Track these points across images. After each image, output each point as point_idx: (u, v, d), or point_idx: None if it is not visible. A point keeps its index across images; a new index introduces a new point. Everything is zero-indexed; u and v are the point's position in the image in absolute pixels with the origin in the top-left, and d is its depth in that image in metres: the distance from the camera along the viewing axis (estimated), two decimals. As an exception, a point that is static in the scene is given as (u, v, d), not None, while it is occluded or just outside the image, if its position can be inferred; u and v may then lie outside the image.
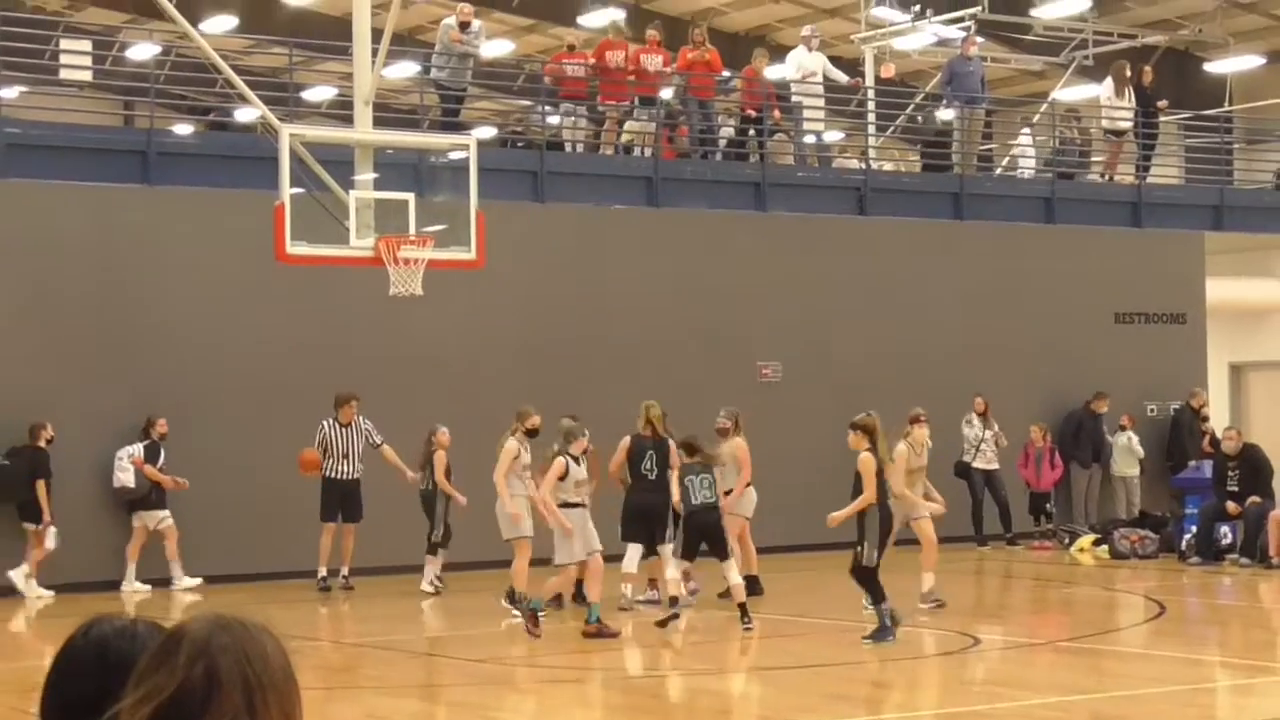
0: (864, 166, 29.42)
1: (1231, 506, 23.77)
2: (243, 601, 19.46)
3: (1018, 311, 28.29)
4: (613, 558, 17.95)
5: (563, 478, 17.39)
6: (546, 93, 27.87)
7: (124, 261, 22.50)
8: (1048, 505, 27.39)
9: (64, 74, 26.95)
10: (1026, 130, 33.09)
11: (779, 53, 33.46)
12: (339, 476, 21.99)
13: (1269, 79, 38.41)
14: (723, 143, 28.55)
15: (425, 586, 21.41)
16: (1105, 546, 25.48)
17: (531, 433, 19.22)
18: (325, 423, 21.97)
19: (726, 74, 28.97)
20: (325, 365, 22.82)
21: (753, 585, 20.04)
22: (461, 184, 19.23)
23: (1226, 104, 36.36)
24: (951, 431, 25.66)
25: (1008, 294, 28.25)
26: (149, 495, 21.93)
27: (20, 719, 12.73)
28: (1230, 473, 24.06)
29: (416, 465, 21.55)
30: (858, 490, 16.18)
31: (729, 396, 22.01)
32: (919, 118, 32.52)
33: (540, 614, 17.29)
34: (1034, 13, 35.17)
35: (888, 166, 31.76)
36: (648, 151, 27.08)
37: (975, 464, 26.57)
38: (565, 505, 17.32)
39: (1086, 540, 26.12)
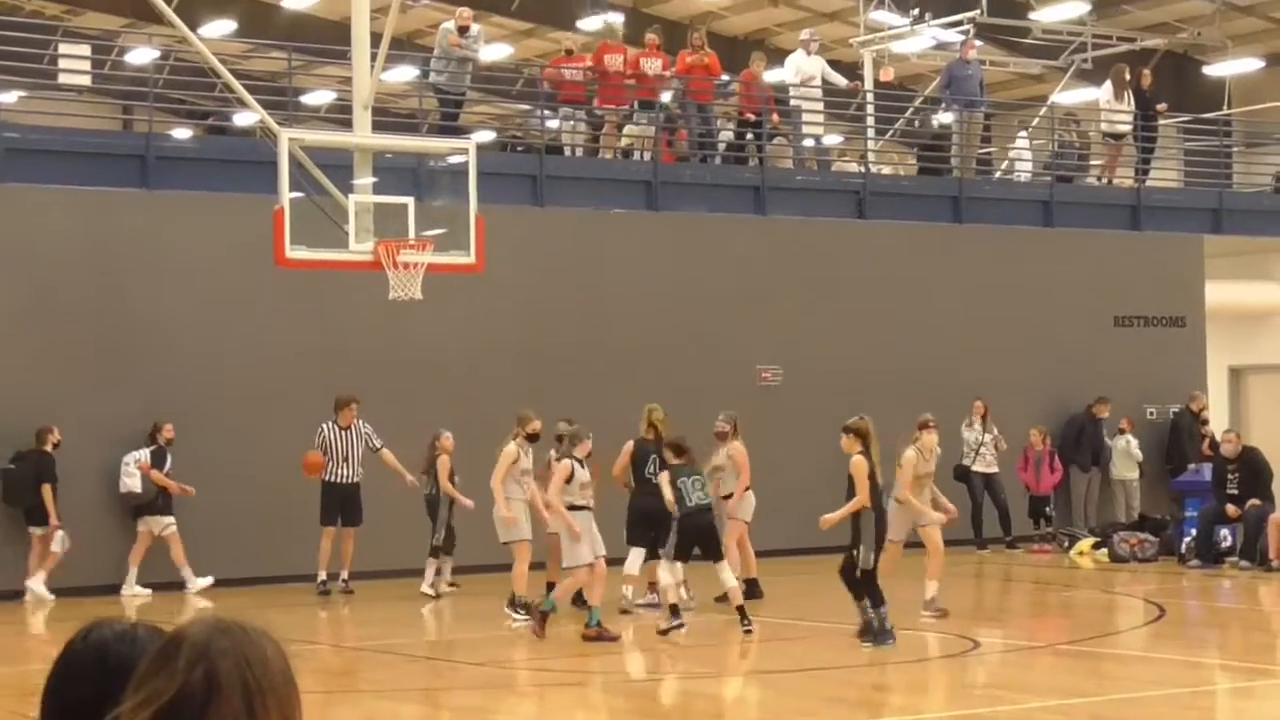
0: (863, 170, 29.43)
1: (1231, 509, 23.77)
2: (242, 605, 19.44)
3: (1017, 315, 28.30)
4: (613, 561, 17.92)
5: (569, 480, 17.41)
6: (545, 97, 27.87)
7: (123, 266, 22.50)
8: (1047, 509, 27.39)
9: (63, 78, 26.95)
10: (1024, 134, 33.10)
11: (778, 56, 33.48)
12: (339, 480, 21.99)
13: (1268, 82, 38.43)
14: (722, 146, 28.56)
15: (425, 589, 21.42)
16: (1105, 550, 25.49)
17: (532, 437, 19.23)
18: (325, 426, 21.98)
19: (726, 78, 28.96)
20: (324, 369, 22.82)
21: (752, 588, 20.06)
22: (461, 188, 19.24)
23: (1225, 107, 36.37)
24: (951, 435, 25.61)
25: (1007, 297, 28.26)
26: (155, 500, 21.97)
27: (20, 723, 12.73)
28: (1230, 476, 24.06)
29: (420, 469, 21.55)
30: (851, 494, 16.26)
31: (728, 400, 22.02)
32: (916, 121, 32.53)
33: (548, 614, 17.26)
34: (1033, 16, 35.17)
35: (886, 170, 31.76)
36: (647, 155, 27.09)
37: (975, 467, 26.56)
38: (571, 508, 17.32)
39: (1086, 543, 26.13)
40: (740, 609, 17.48)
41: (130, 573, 21.89)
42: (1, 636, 19.07)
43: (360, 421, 22.11)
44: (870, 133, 31.25)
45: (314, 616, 20.65)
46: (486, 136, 31.86)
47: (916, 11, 33.12)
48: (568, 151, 27.14)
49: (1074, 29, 35.44)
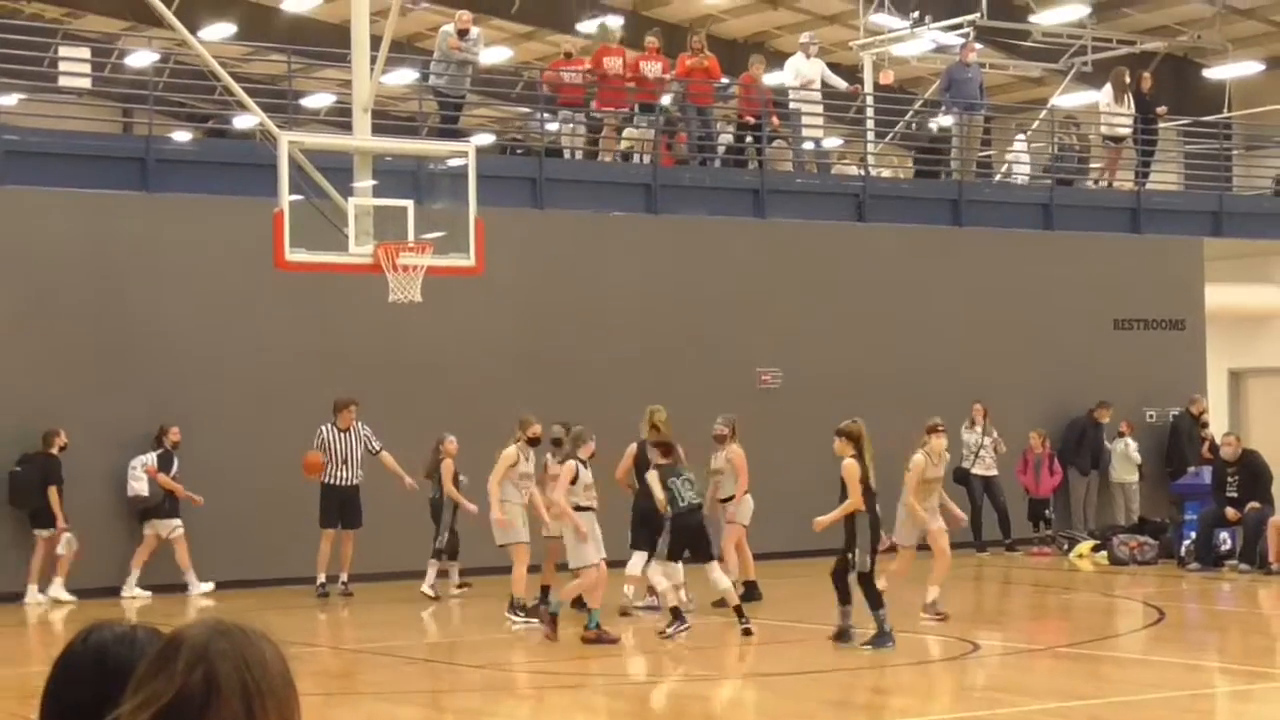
0: (863, 173, 29.44)
1: (1231, 512, 23.78)
2: (242, 608, 19.45)
3: (1017, 318, 28.30)
4: (613, 563, 17.91)
5: (573, 481, 17.43)
6: (545, 100, 27.87)
7: (123, 268, 22.51)
8: (1047, 511, 27.40)
9: (63, 81, 26.95)
10: (1021, 136, 33.09)
11: (777, 60, 33.49)
12: (338, 482, 21.99)
13: (1268, 85, 38.44)
14: (721, 150, 28.56)
15: (425, 589, 21.43)
16: (1104, 552, 25.50)
17: (532, 441, 19.25)
18: (323, 428, 21.98)
19: (725, 81, 28.96)
20: (324, 372, 22.82)
21: (751, 590, 20.09)
22: (460, 191, 19.24)
23: (1225, 110, 36.38)
24: (951, 438, 25.53)
25: (1007, 300, 28.26)
26: (163, 504, 22.01)
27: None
28: (1229, 479, 24.06)
29: (424, 473, 21.56)
30: (845, 497, 16.29)
31: (728, 403, 22.03)
32: (913, 124, 32.53)
33: (557, 616, 17.25)
34: (1033, 19, 35.16)
35: (886, 173, 31.76)
36: (646, 158, 27.10)
37: (974, 470, 26.57)
38: (576, 509, 17.35)
39: (1085, 546, 26.14)
40: (737, 609, 17.50)
41: (132, 575, 21.91)
42: (2, 638, 19.07)
43: (359, 424, 22.11)
44: (870, 136, 31.27)
45: (313, 619, 20.65)
46: (486, 139, 31.88)
47: (916, 14, 33.13)
48: (567, 154, 27.15)
49: (1074, 32, 35.44)
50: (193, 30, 22.75)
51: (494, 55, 38.37)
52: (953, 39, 32.69)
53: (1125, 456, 28.26)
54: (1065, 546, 26.68)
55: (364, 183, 19.12)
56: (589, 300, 25.21)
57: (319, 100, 38.52)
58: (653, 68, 27.26)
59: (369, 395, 22.37)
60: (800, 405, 25.56)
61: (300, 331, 23.21)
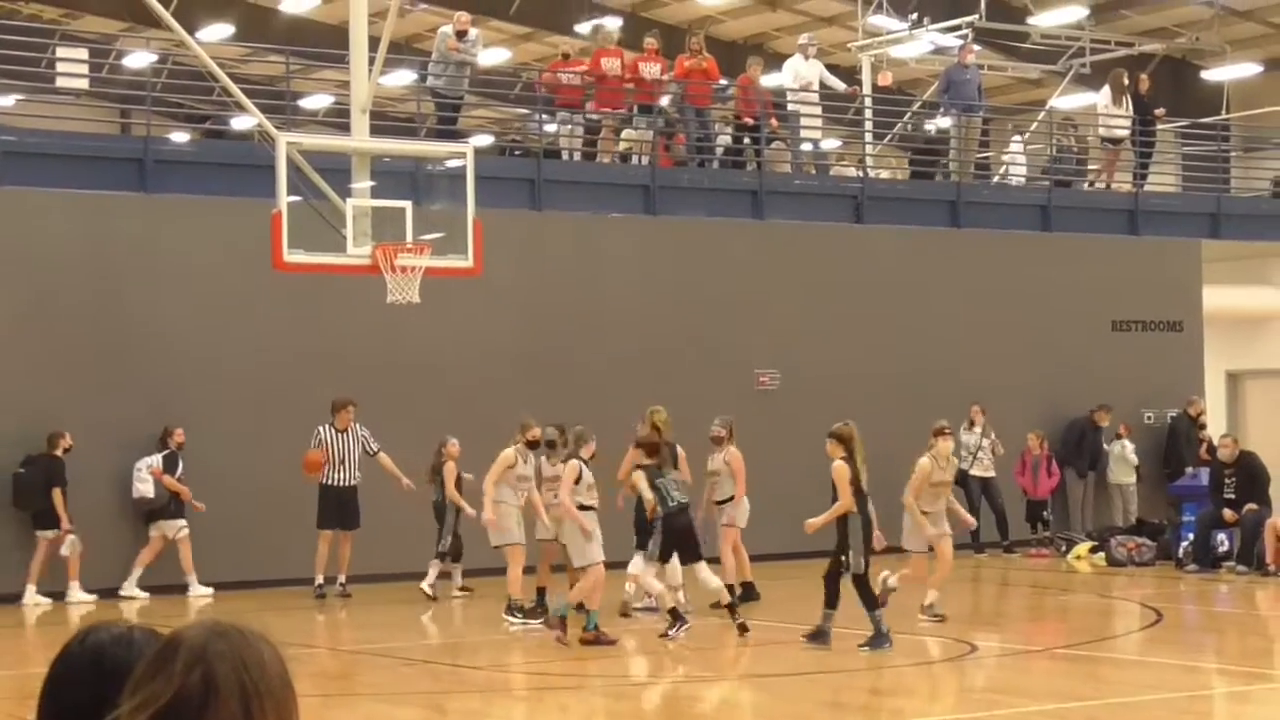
0: (861, 175, 29.44)
1: (1228, 514, 23.78)
2: (240, 609, 19.45)
3: (1015, 319, 28.31)
4: (611, 565, 17.90)
5: (577, 481, 17.45)
6: (543, 101, 27.88)
7: (121, 269, 22.51)
8: (1045, 513, 27.41)
9: (60, 82, 26.96)
10: (1018, 138, 33.10)
11: (776, 61, 33.49)
12: (335, 483, 21.98)
13: (1266, 87, 38.45)
14: (720, 151, 28.56)
15: (424, 586, 21.46)
16: (1102, 554, 25.51)
17: (532, 444, 19.26)
18: (321, 429, 21.97)
19: (724, 82, 28.97)
20: (322, 373, 22.81)
21: (748, 591, 20.12)
22: (459, 192, 19.23)
23: (1223, 112, 36.40)
24: (949, 439, 25.65)
25: (1005, 302, 28.27)
26: (168, 505, 22.04)
27: (17, 727, 12.73)
28: (1227, 480, 24.07)
29: (426, 476, 21.56)
30: (836, 499, 16.34)
31: (726, 404, 22.05)
32: (909, 126, 32.53)
33: (565, 618, 17.23)
34: (1031, 21, 35.19)
35: (884, 174, 31.77)
36: (645, 160, 27.10)
37: (972, 471, 26.56)
38: (579, 509, 17.38)
39: (1083, 548, 26.14)
40: (729, 607, 17.54)
41: (133, 575, 21.93)
42: (1, 638, 19.06)
43: (357, 425, 22.11)
44: (868, 137, 31.28)
45: (311, 620, 20.65)
46: (485, 140, 31.89)
47: (915, 16, 33.14)
48: (566, 156, 27.14)
49: (1072, 34, 35.45)
50: (191, 31, 22.74)
51: (492, 56, 38.37)
52: (951, 40, 32.70)
53: (1122, 458, 28.27)
54: (1063, 548, 26.69)
55: (362, 184, 19.11)
56: (587, 301, 25.21)
57: (317, 101, 38.54)
58: (651, 69, 27.26)
59: (367, 396, 22.37)
60: (798, 406, 25.56)
61: (298, 332, 23.21)
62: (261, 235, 18.55)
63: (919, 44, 33.51)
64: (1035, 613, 22.24)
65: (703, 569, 17.76)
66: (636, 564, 18.74)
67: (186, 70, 27.17)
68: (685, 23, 39.00)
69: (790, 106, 28.67)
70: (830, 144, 33.24)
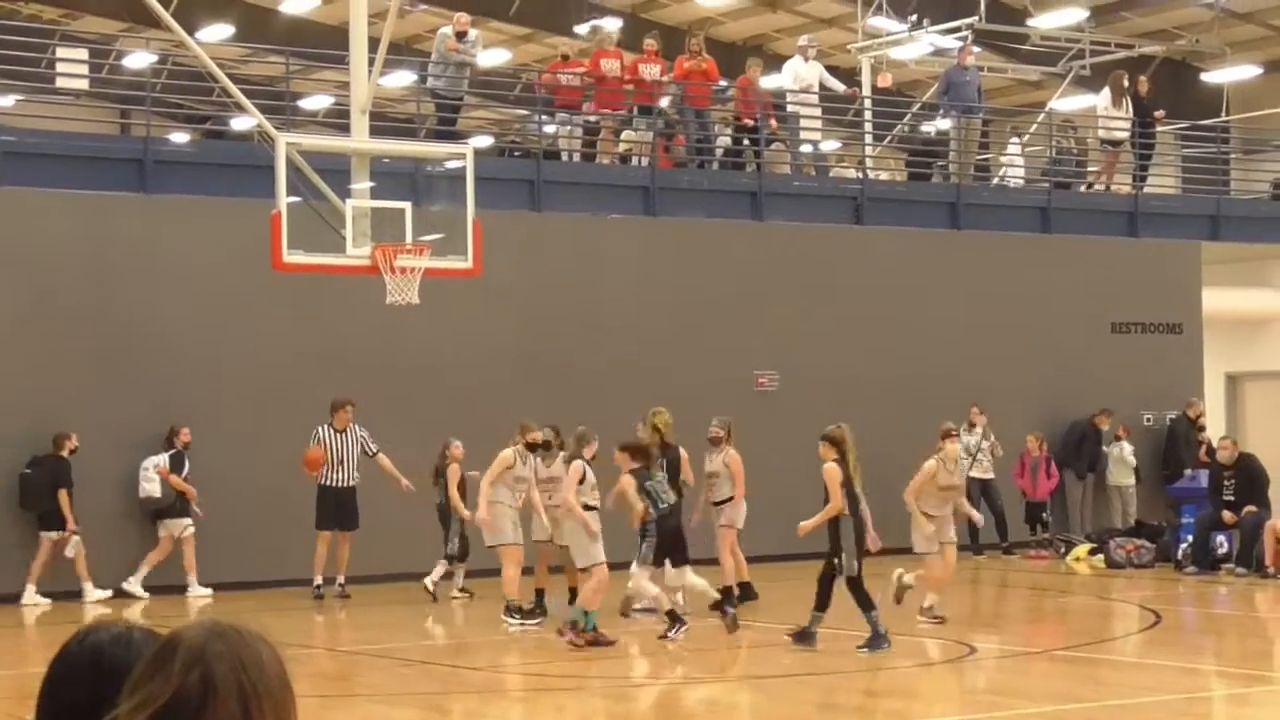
0: (861, 176, 29.44)
1: (1227, 516, 23.78)
2: (239, 609, 19.45)
3: (1014, 321, 28.31)
4: (614, 566, 17.90)
5: (581, 481, 17.44)
6: (543, 102, 27.88)
7: (121, 270, 22.50)
8: (1044, 515, 27.41)
9: (60, 82, 26.95)
10: (1015, 139, 33.10)
11: (776, 62, 33.49)
12: (334, 484, 21.98)
13: (1266, 89, 38.45)
14: (719, 152, 28.56)
15: (427, 582, 21.51)
16: (1101, 556, 25.51)
17: (531, 447, 19.25)
18: (320, 429, 21.97)
19: (723, 83, 28.98)
20: (322, 373, 22.81)
21: (746, 590, 20.12)
22: (458, 193, 19.23)
23: (1223, 114, 36.42)
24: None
25: (1004, 303, 28.27)
26: (174, 504, 22.06)
27: (16, 727, 12.72)
28: (1226, 482, 24.06)
29: (431, 478, 21.56)
30: (828, 501, 16.36)
31: (725, 405, 22.04)
32: (906, 127, 32.53)
33: (579, 623, 17.19)
34: (1031, 23, 35.20)
35: (884, 176, 31.77)
36: (644, 161, 27.10)
37: (971, 473, 26.51)
38: (583, 509, 17.38)
39: (1082, 549, 26.14)
40: (716, 604, 17.55)
41: (140, 572, 21.96)
42: (3, 639, 19.06)
43: (356, 426, 22.10)
44: (868, 139, 31.28)
45: (310, 621, 20.65)
46: (484, 141, 31.88)
47: (915, 17, 33.14)
48: (565, 157, 27.14)
49: (1072, 35, 35.46)
50: (190, 31, 22.73)
51: (492, 57, 38.36)
52: (951, 42, 32.71)
53: (1121, 460, 28.27)
54: (1062, 550, 26.69)
55: (362, 184, 19.10)
56: (586, 302, 25.21)
57: (317, 102, 38.53)
58: (651, 70, 27.26)
59: (367, 397, 22.36)
60: (797, 408, 25.55)
61: (298, 333, 23.21)
62: (261, 236, 18.55)
63: (919, 46, 33.52)
64: (1034, 614, 22.24)
65: (687, 573, 17.78)
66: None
67: (186, 71, 27.17)
68: (685, 24, 39.00)
69: (790, 108, 28.67)
70: (830, 145, 33.24)
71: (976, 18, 32.46)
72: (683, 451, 19.59)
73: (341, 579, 22.00)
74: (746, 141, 28.52)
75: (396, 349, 23.45)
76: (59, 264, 22.21)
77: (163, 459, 22.09)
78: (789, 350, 26.40)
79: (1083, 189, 31.55)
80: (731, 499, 20.12)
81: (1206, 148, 33.76)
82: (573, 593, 18.89)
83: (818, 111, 29.49)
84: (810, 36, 31.24)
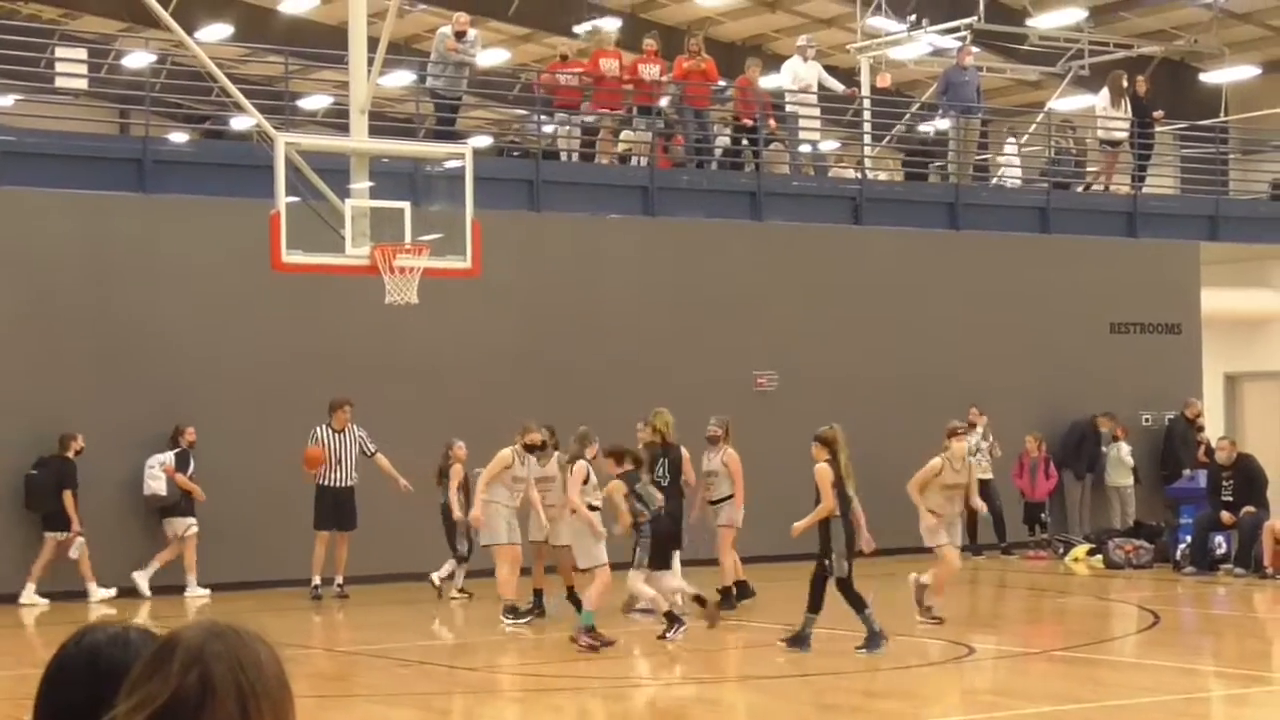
0: (859, 176, 29.44)
1: (1226, 516, 23.78)
2: (237, 609, 19.45)
3: (1013, 321, 28.31)
4: (615, 566, 17.90)
5: (585, 482, 17.44)
6: (542, 102, 27.88)
7: (120, 270, 22.50)
8: (1042, 515, 27.41)
9: (59, 82, 26.94)
10: (1012, 140, 33.11)
11: (775, 62, 33.50)
12: (332, 484, 21.98)
13: (1264, 89, 38.46)
14: (718, 152, 28.56)
15: (434, 576, 21.54)
16: (1099, 556, 25.51)
17: (530, 448, 19.25)
18: (318, 429, 21.97)
19: (722, 83, 28.99)
20: (320, 373, 22.80)
21: (743, 589, 20.14)
22: (457, 193, 19.23)
23: (1222, 114, 36.42)
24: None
25: (1003, 304, 28.27)
26: (179, 503, 22.07)
27: (14, 727, 12.73)
28: (1224, 483, 24.06)
29: (435, 477, 21.56)
30: (819, 502, 16.36)
31: (724, 405, 22.04)
32: (903, 128, 32.55)
33: (593, 626, 17.15)
34: (1030, 23, 35.21)
35: (883, 176, 31.78)
36: (644, 161, 27.10)
37: (970, 473, 26.54)
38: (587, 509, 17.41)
39: (1081, 550, 26.14)
40: (697, 597, 17.53)
41: (149, 568, 21.98)
42: (3, 639, 19.05)
43: (354, 426, 22.10)
44: (867, 139, 31.28)
45: (308, 621, 20.64)
46: (483, 141, 31.87)
47: (913, 18, 33.15)
48: (564, 157, 27.14)
49: (1071, 35, 35.48)
50: (190, 31, 22.73)
51: (491, 57, 38.37)
52: (950, 42, 32.72)
53: (1119, 460, 28.27)
54: (1060, 550, 26.69)
55: (361, 184, 19.10)
56: (586, 302, 25.20)
57: (316, 102, 38.53)
58: (651, 70, 27.26)
59: (365, 397, 22.36)
60: (796, 408, 25.51)
61: (297, 333, 23.20)
62: (260, 236, 18.54)
63: (918, 46, 33.53)
64: (1033, 615, 22.25)
65: (665, 575, 17.85)
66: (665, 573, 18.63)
67: (185, 70, 27.16)
68: (684, 24, 39.01)
69: (789, 108, 28.67)
70: (829, 145, 33.25)
71: (975, 18, 32.47)
72: (684, 451, 19.60)
73: (340, 579, 21.99)
74: (745, 141, 28.51)
75: (395, 349, 23.45)
76: (58, 264, 22.21)
77: (168, 457, 22.13)
78: (788, 350, 26.40)
79: (1081, 189, 31.56)
80: (730, 498, 20.13)
81: (1205, 148, 33.77)
82: (570, 590, 18.90)
83: (816, 111, 29.49)
84: (809, 36, 31.24)
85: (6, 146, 22.45)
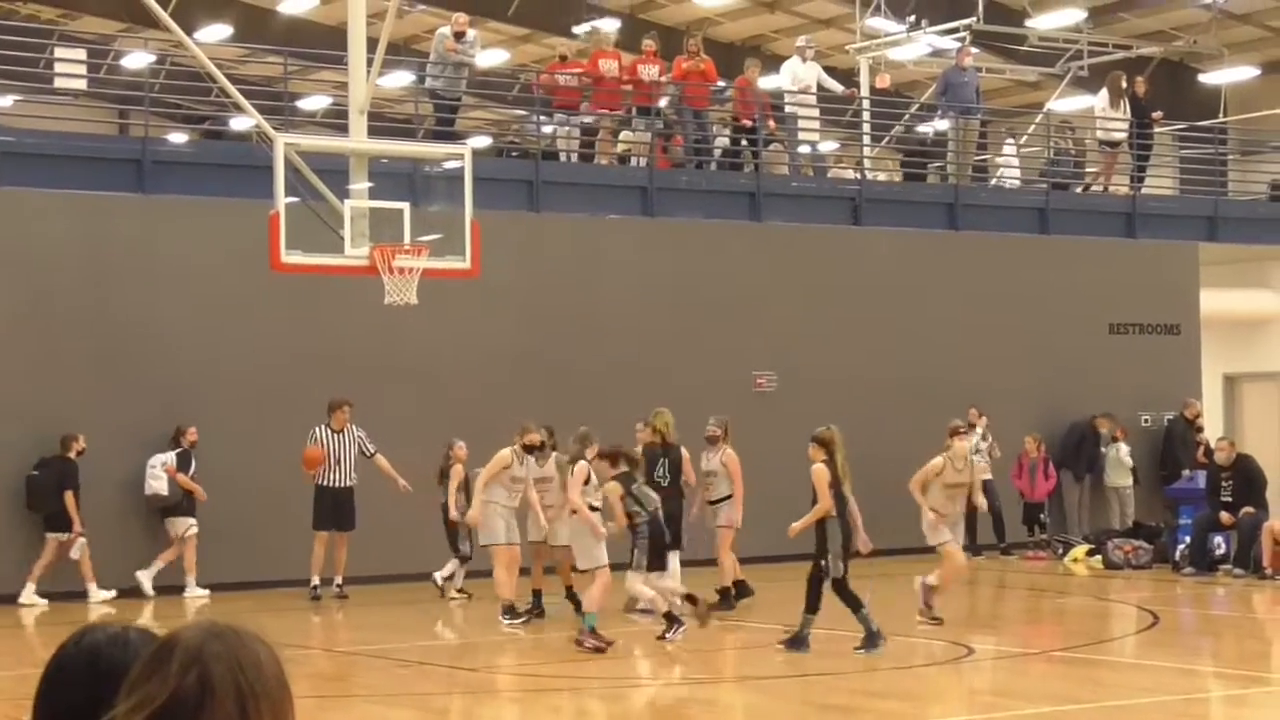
0: (859, 177, 29.44)
1: (1225, 517, 23.78)
2: (236, 610, 19.45)
3: (1012, 322, 28.31)
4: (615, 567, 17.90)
5: (586, 482, 17.44)
6: (541, 102, 27.88)
7: (119, 270, 22.50)
8: (1041, 515, 27.41)
9: (59, 82, 26.92)
10: (1010, 140, 33.11)
11: (774, 63, 33.50)
12: (331, 484, 21.98)
13: (1263, 90, 38.47)
14: (717, 153, 28.56)
15: (436, 576, 21.55)
16: (1099, 557, 25.52)
17: (529, 448, 19.24)
18: (317, 429, 21.97)
19: (721, 84, 28.99)
20: (320, 374, 22.80)
21: (742, 589, 20.14)
22: (456, 193, 19.23)
23: (1221, 115, 36.42)
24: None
25: (1002, 304, 28.27)
26: (181, 503, 22.09)
27: (13, 727, 12.72)
28: (1224, 483, 24.06)
29: (436, 478, 21.56)
30: (815, 502, 16.37)
31: (724, 406, 22.04)
32: (902, 128, 32.55)
33: (595, 627, 17.13)
34: (1029, 24, 35.21)
35: (882, 176, 31.78)
36: (643, 161, 27.10)
37: (970, 473, 26.54)
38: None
39: (1080, 550, 26.14)
40: (688, 596, 17.57)
41: (152, 568, 21.99)
42: (3, 639, 19.05)
43: (353, 426, 22.10)
44: (866, 139, 31.28)
45: (307, 621, 20.64)
46: (482, 142, 31.86)
47: (913, 18, 33.15)
48: (563, 157, 27.14)
49: (1070, 36, 35.48)
50: (189, 32, 22.73)
51: (490, 58, 38.37)
52: (949, 43, 32.73)
53: (1118, 461, 28.28)
54: (1060, 551, 26.69)
55: (360, 185, 19.10)
56: (585, 303, 25.20)
57: (315, 102, 38.53)
58: (650, 70, 27.26)
59: (364, 397, 22.36)
60: (795, 409, 25.50)
61: (296, 334, 23.20)
62: (259, 236, 18.54)
63: (917, 46, 33.54)
64: (1032, 615, 22.25)
65: (655, 577, 17.87)
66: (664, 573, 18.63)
67: (184, 71, 27.17)
68: (683, 24, 39.01)
69: (788, 108, 28.68)
70: (828, 146, 33.26)
71: (974, 18, 32.47)
72: (684, 451, 19.61)
73: (339, 580, 22.00)
74: (745, 142, 28.51)
75: (395, 350, 23.45)
76: (57, 264, 22.21)
77: (170, 456, 22.14)
78: (787, 351, 26.40)
79: (1080, 190, 31.56)
80: (729, 498, 20.13)
81: (1204, 149, 33.77)
82: (568, 590, 18.90)
83: (816, 112, 29.50)
84: (808, 37, 31.25)
85: (6, 147, 22.44)
